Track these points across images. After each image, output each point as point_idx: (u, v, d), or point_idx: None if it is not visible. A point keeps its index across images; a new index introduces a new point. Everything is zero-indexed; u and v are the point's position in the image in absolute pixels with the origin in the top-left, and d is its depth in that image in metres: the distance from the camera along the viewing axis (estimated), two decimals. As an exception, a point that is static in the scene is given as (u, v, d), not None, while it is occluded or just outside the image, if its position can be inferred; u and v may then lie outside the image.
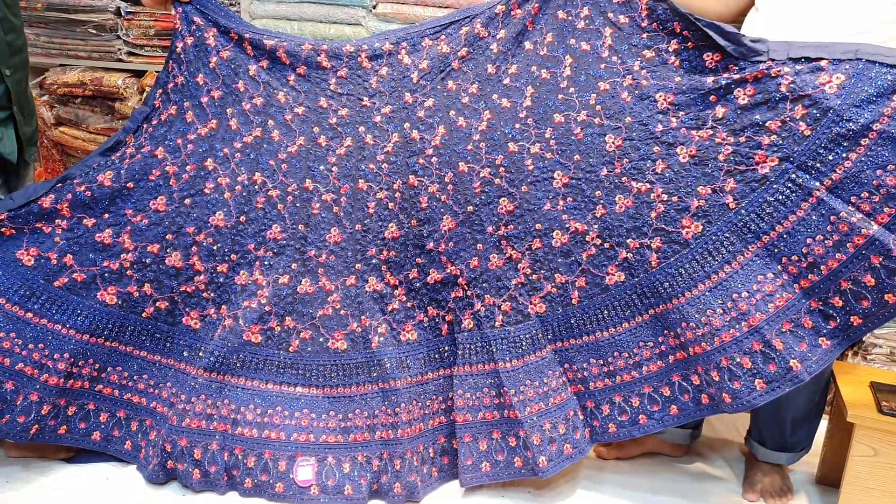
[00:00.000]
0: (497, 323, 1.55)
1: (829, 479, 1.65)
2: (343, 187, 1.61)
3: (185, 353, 1.60)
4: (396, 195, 1.59)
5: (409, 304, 1.62)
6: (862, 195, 1.32)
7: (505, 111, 1.57)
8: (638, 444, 1.71)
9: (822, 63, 1.33)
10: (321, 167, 1.61)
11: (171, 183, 1.58)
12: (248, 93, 1.61)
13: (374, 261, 1.61)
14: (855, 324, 1.36)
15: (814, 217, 1.35)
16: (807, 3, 1.43)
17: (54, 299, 1.52)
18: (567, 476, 1.63)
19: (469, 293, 1.57)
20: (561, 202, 1.53)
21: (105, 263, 1.55)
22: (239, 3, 2.20)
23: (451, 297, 1.59)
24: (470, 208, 1.56)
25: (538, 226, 1.54)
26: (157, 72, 2.26)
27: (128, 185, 1.56)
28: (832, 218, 1.33)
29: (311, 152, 1.61)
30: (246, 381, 1.58)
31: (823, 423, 1.66)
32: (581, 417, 1.55)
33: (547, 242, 1.54)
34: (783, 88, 1.35)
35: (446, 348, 1.61)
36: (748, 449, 1.66)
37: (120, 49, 2.31)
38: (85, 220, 1.54)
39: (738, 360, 1.38)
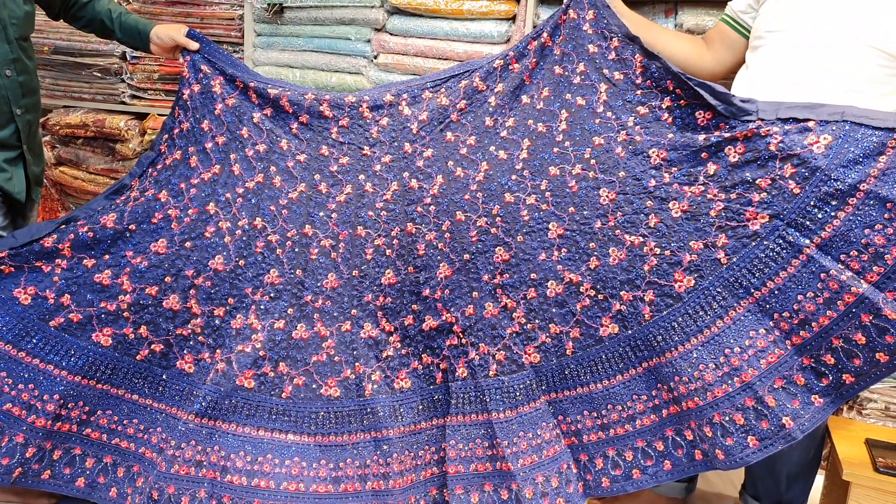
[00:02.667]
0: (491, 372, 1.55)
1: (825, 537, 1.63)
2: (342, 233, 1.62)
3: (178, 398, 1.58)
4: (394, 242, 1.61)
5: (403, 352, 1.61)
6: (851, 253, 1.34)
7: (502, 163, 1.60)
8: (632, 498, 1.69)
9: (810, 124, 1.36)
10: (321, 213, 1.63)
11: (172, 226, 1.59)
12: (252, 139, 1.64)
13: (370, 307, 1.61)
14: (847, 382, 1.36)
15: (804, 274, 1.36)
16: (794, 64, 1.47)
17: (48, 339, 1.51)
18: (560, 530, 1.60)
19: (464, 341, 1.57)
20: (556, 253, 1.54)
21: (102, 304, 1.54)
22: (242, 51, 2.25)
23: (445, 344, 1.59)
24: (466, 256, 1.58)
25: (533, 275, 1.55)
26: (159, 115, 2.30)
27: (130, 227, 1.57)
28: (822, 275, 1.35)
29: (312, 199, 1.64)
30: (237, 427, 1.56)
31: (819, 479, 1.65)
32: (574, 471, 1.53)
33: (542, 292, 1.55)
34: (772, 147, 1.38)
35: (440, 397, 1.60)
36: (743, 505, 1.65)
37: (123, 92, 2.35)
38: (85, 261, 1.54)
39: (731, 415, 1.37)
